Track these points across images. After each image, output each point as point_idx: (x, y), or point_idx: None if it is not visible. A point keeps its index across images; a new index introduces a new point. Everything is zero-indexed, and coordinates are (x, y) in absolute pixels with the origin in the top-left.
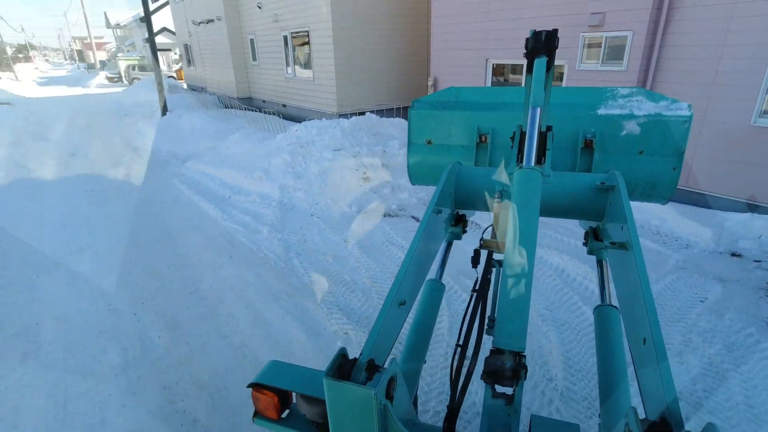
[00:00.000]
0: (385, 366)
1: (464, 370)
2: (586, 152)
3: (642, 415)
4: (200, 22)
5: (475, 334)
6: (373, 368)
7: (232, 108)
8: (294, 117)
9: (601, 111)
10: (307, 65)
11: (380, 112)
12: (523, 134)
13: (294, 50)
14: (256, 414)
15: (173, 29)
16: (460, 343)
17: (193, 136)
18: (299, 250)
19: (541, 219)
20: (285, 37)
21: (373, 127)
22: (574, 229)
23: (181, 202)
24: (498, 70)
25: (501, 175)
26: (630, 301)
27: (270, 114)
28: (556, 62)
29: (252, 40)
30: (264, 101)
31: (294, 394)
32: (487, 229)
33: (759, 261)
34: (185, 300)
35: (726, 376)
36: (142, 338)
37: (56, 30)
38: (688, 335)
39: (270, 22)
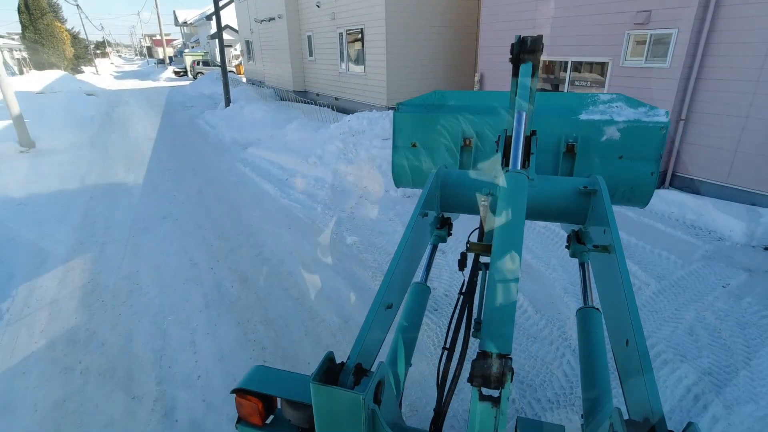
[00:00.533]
0: (372, 370)
1: (451, 373)
2: (568, 156)
3: (626, 416)
4: (262, 20)
5: (462, 336)
6: (360, 372)
7: (288, 100)
8: (345, 109)
9: (583, 116)
10: (359, 61)
11: None
12: (508, 138)
13: (347, 47)
14: (240, 420)
15: (235, 27)
16: (447, 346)
17: (253, 125)
18: (349, 225)
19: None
20: (340, 34)
21: None
22: None
23: (244, 182)
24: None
25: (484, 177)
26: (612, 303)
27: (323, 106)
28: (601, 59)
29: (309, 37)
30: (318, 94)
31: (279, 400)
32: (473, 232)
33: None
34: (252, 260)
35: (731, 347)
36: (218, 287)
37: (128, 28)
38: (702, 313)
39: (327, 20)
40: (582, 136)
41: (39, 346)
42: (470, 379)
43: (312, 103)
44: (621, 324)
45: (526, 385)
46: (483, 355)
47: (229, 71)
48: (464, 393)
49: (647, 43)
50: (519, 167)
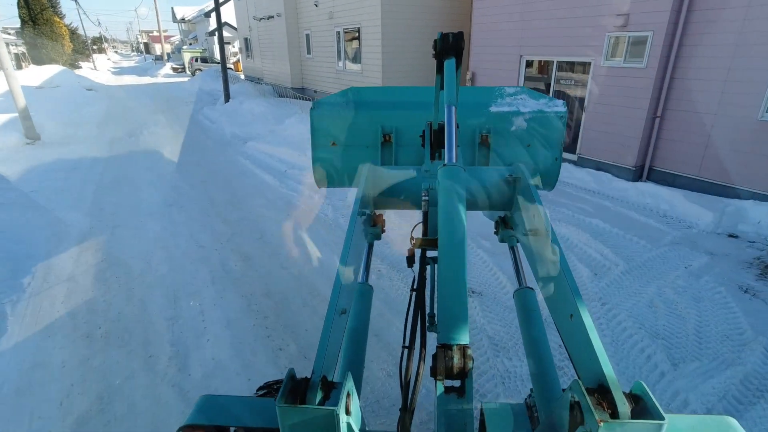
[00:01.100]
0: (337, 380)
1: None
2: (483, 147)
3: None
4: (261, 18)
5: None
6: (327, 385)
7: (286, 97)
8: None
9: (493, 108)
10: (356, 59)
11: None
12: (433, 132)
13: (345, 45)
14: None
15: (234, 24)
16: (407, 344)
17: (253, 120)
18: (345, 212)
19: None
20: (338, 33)
21: None
22: (584, 207)
23: (245, 173)
24: (530, 65)
25: (414, 171)
26: (550, 282)
27: None
28: (584, 59)
29: (307, 36)
30: (315, 91)
31: (232, 430)
32: (415, 227)
33: (753, 242)
34: (253, 243)
35: (685, 316)
36: (223, 265)
37: (125, 24)
38: (663, 289)
39: (325, 19)
40: (494, 127)
41: (61, 314)
42: (432, 374)
43: (310, 100)
44: (563, 300)
45: (500, 347)
46: (443, 347)
47: (228, 68)
48: (427, 388)
49: (626, 44)
50: (454, 160)
